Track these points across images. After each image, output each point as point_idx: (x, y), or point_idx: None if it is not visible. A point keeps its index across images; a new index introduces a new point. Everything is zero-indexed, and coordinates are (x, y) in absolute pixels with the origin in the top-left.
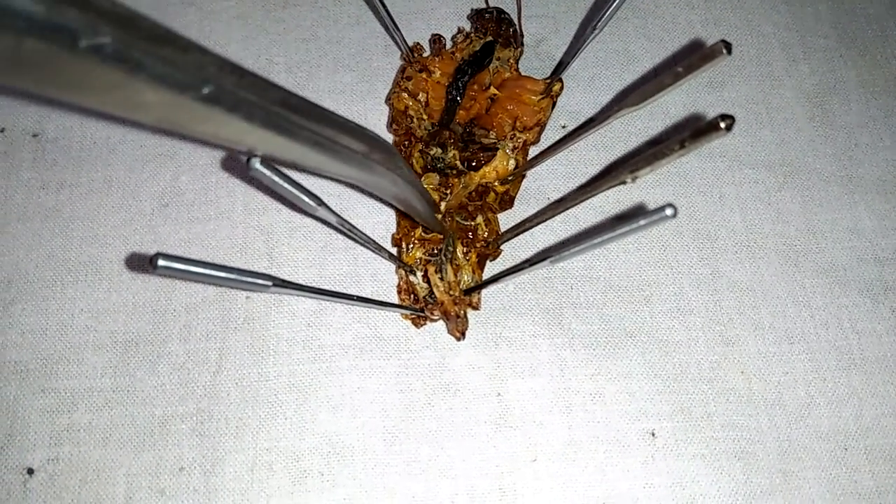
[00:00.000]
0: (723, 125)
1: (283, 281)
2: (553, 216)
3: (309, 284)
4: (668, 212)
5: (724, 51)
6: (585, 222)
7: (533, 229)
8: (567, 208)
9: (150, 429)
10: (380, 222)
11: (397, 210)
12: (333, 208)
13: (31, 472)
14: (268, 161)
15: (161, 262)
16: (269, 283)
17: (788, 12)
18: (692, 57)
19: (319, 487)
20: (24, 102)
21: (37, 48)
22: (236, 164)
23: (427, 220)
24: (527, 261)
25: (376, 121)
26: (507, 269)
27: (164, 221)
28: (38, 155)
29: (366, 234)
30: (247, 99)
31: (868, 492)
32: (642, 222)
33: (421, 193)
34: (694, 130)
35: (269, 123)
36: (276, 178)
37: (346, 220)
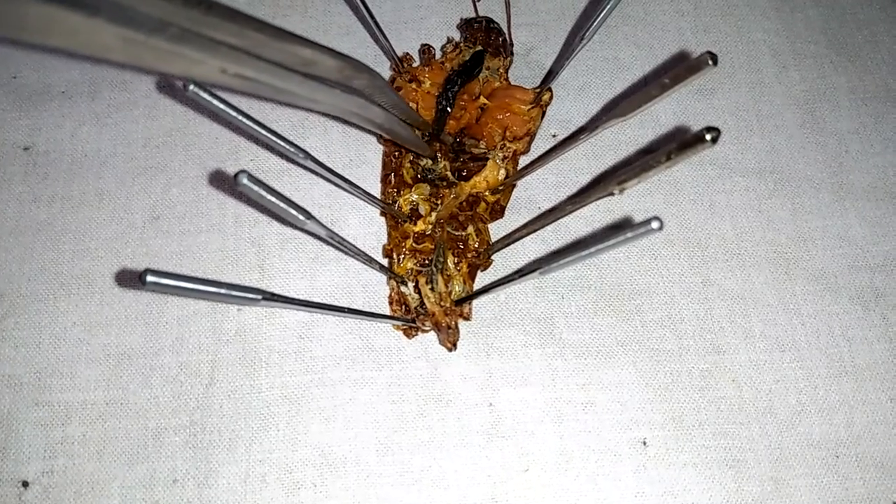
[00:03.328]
0: (708, 137)
1: (273, 294)
2: (544, 226)
3: (300, 296)
4: (654, 225)
5: (710, 62)
6: (576, 232)
7: (524, 239)
8: (557, 218)
9: (144, 441)
10: (371, 233)
11: (388, 222)
12: (323, 220)
13: (25, 484)
14: (256, 178)
15: (150, 278)
16: (259, 297)
17: (778, 19)
18: (678, 68)
19: (312, 499)
20: (15, 115)
21: None
22: (227, 177)
23: (414, 145)
24: (517, 271)
25: (366, 132)
26: (498, 280)
27: (156, 234)
28: (29, 168)
29: (356, 246)
30: (215, 36)
31: (859, 499)
32: (629, 235)
33: (406, 118)
34: (680, 143)
35: (239, 59)
36: (264, 193)
37: (335, 233)
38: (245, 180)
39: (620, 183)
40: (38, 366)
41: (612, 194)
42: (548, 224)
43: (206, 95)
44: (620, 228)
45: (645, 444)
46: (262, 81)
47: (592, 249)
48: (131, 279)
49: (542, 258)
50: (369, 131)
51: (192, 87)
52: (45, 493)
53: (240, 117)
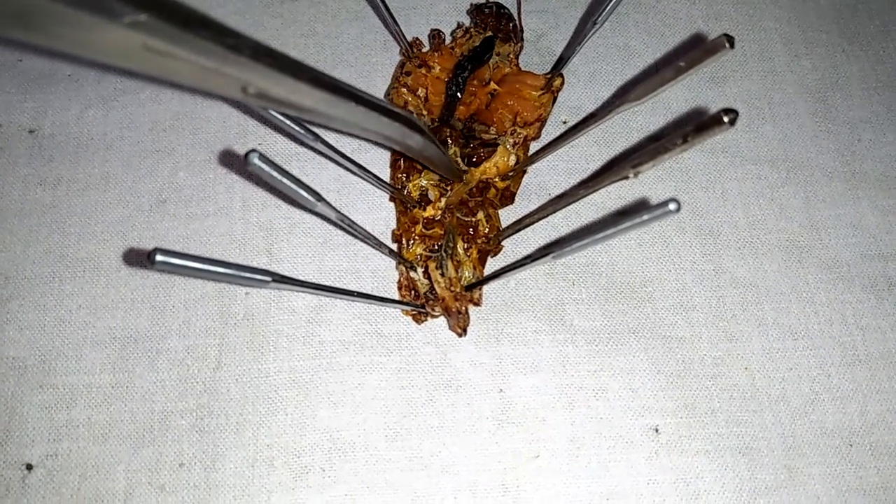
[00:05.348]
0: (726, 119)
1: (283, 277)
2: (554, 212)
3: (308, 280)
4: (672, 206)
5: (727, 44)
6: (587, 218)
7: (534, 225)
8: (568, 204)
9: (150, 425)
10: (380, 218)
11: (397, 207)
12: (333, 204)
13: (29, 467)
14: (267, 157)
15: (159, 258)
16: (269, 279)
17: (790, 7)
18: (694, 51)
19: (320, 483)
20: (20, 98)
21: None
22: (235, 160)
23: (450, 173)
24: (528, 256)
25: None
26: (509, 265)
27: (162, 218)
28: (34, 151)
29: (366, 230)
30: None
31: (873, 488)
32: (645, 217)
33: (437, 146)
34: (697, 125)
35: (277, 81)
36: (275, 174)
37: (345, 216)
38: (256, 160)
39: (635, 166)
40: (43, 348)
41: (626, 178)
42: (559, 209)
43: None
44: (636, 211)
45: (657, 431)
46: (300, 106)
47: (609, 232)
48: (138, 262)
49: (555, 242)
50: None
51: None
52: (49, 477)
53: None
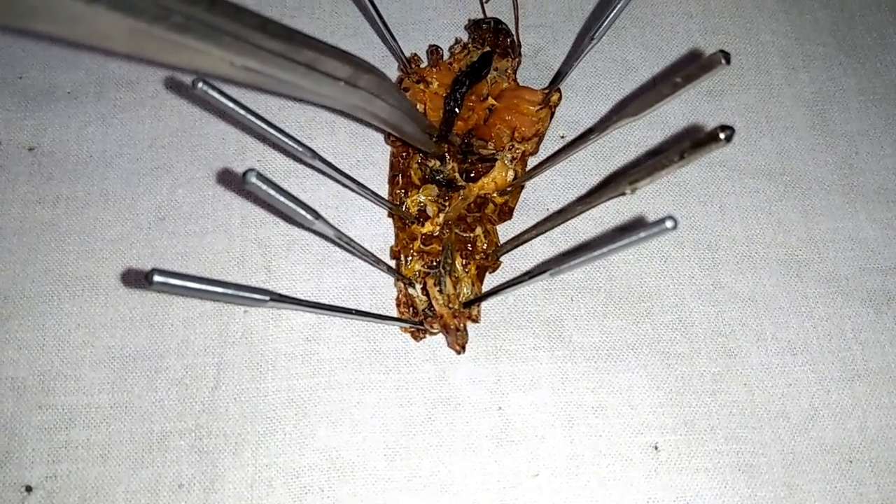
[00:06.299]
0: (722, 136)
1: (281, 295)
2: (552, 227)
3: (307, 298)
4: (669, 224)
5: (723, 61)
6: (585, 234)
7: (532, 241)
8: (567, 220)
9: (149, 445)
10: (378, 234)
11: (395, 223)
12: (331, 221)
13: (29, 489)
14: (264, 176)
15: (157, 278)
16: (267, 298)
17: (787, 20)
18: (691, 67)
19: None
20: (20, 115)
21: None
22: (233, 177)
23: (419, 143)
24: (527, 273)
25: (374, 133)
26: (507, 282)
27: (161, 235)
28: (34, 169)
29: (364, 247)
30: (219, 26)
31: None
32: (642, 235)
33: (412, 118)
34: (693, 142)
35: (243, 50)
36: (272, 192)
37: (343, 233)
38: (254, 179)
39: (632, 182)
40: (42, 368)
41: (623, 194)
42: (557, 225)
43: (214, 93)
44: (633, 228)
45: (657, 448)
46: (265, 73)
47: (605, 249)
48: (136, 280)
49: (553, 259)
50: (377, 130)
51: (200, 84)
52: (48, 498)
53: (248, 115)
